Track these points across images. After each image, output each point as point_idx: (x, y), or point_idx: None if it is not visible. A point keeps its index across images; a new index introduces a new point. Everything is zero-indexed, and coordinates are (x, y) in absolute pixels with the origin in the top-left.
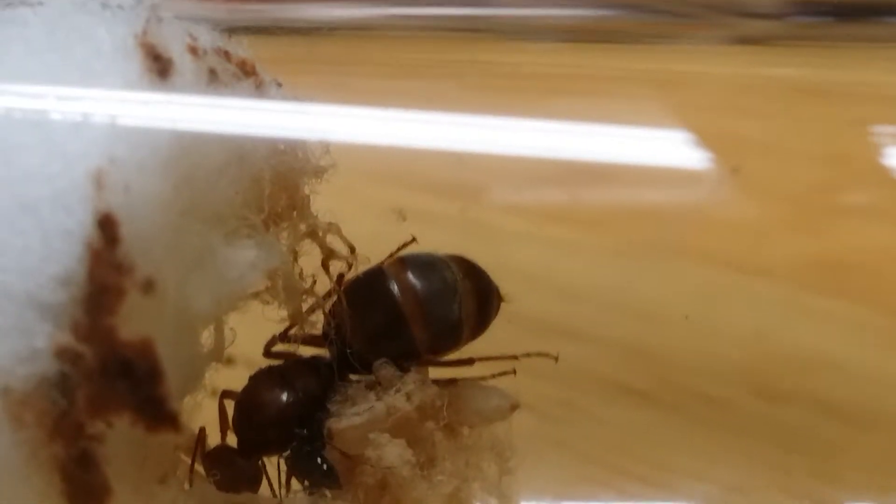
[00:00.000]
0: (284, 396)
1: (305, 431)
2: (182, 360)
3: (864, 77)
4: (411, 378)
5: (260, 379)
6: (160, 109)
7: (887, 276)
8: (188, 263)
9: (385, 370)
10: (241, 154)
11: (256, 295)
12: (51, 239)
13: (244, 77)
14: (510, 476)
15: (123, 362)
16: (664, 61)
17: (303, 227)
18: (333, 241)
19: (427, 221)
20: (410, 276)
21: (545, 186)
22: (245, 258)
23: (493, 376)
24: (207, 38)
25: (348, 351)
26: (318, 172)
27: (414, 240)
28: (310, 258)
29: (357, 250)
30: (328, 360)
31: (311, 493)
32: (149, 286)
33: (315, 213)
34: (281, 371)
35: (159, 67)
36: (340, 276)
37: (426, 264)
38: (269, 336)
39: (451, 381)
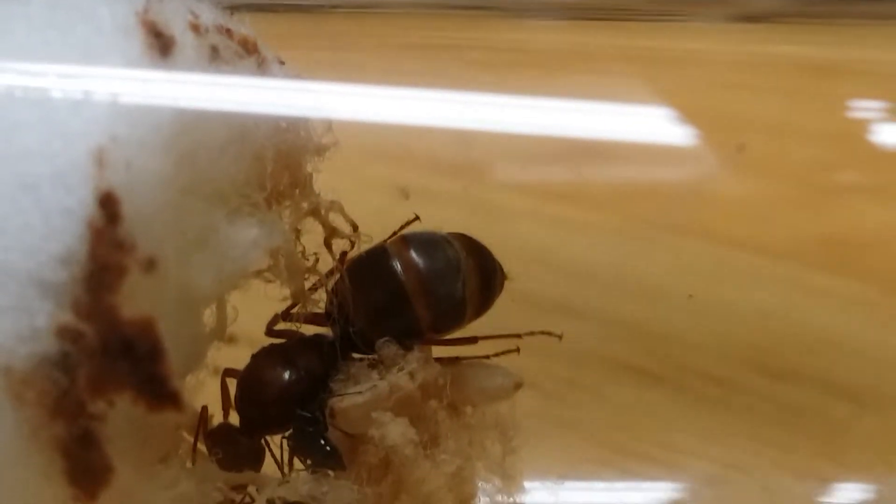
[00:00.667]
0: (287, 375)
1: (308, 410)
2: (184, 338)
3: (867, 55)
4: (414, 357)
5: (262, 357)
6: (161, 87)
7: (891, 253)
8: (190, 242)
9: (388, 349)
10: (243, 132)
11: (259, 273)
12: (52, 217)
13: (246, 55)
14: (514, 455)
15: (125, 341)
16: (668, 39)
17: (305, 205)
18: (336, 220)
19: (430, 199)
20: (413, 254)
21: (549, 165)
22: (247, 236)
23: (497, 355)
24: (209, 16)
25: (351, 329)
26: (321, 150)
27: (417, 218)
28: (312, 236)
29: (360, 228)
30: (331, 338)
31: (313, 473)
32: (150, 265)
33: (317, 192)
34: (283, 350)
35: (161, 45)
36: (343, 254)
37: (429, 242)
38: (271, 314)
39: (455, 360)
